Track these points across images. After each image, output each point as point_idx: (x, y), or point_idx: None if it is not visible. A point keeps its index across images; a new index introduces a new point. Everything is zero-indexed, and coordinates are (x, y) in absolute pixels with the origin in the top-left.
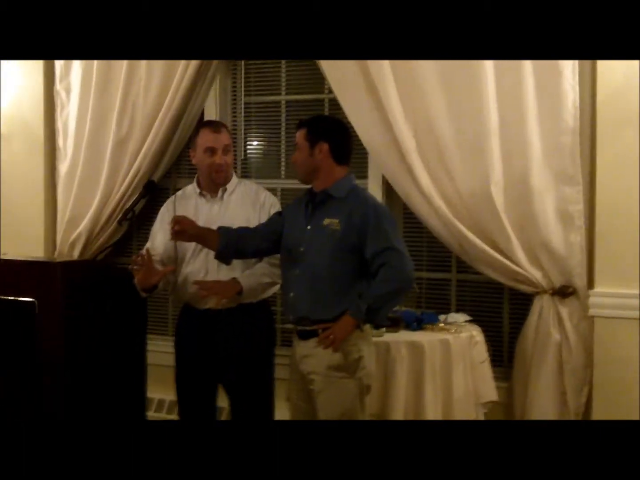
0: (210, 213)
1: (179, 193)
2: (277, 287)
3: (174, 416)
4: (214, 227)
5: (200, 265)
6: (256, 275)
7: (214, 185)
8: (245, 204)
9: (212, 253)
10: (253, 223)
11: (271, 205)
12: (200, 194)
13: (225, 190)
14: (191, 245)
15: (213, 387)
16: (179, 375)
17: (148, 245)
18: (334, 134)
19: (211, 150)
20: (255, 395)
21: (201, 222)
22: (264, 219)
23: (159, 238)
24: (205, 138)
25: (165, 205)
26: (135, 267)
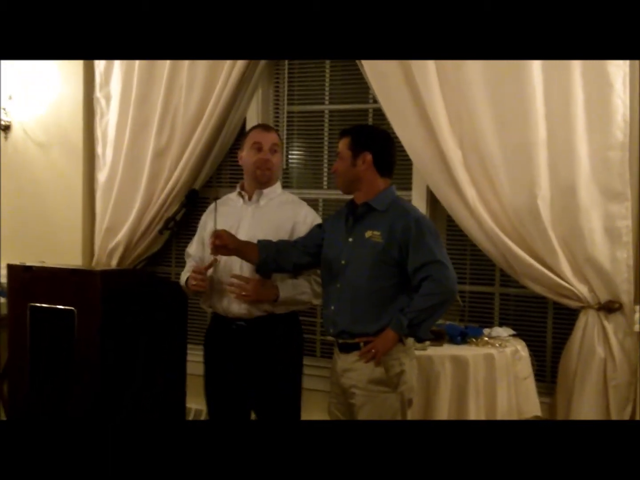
0: (242, 215)
1: (220, 199)
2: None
3: None
4: (243, 228)
5: (224, 263)
6: (297, 291)
7: (255, 184)
8: (279, 215)
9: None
10: (281, 235)
11: (313, 221)
12: (239, 193)
13: (261, 194)
14: None
15: (243, 398)
16: (208, 386)
17: (187, 249)
18: (378, 144)
19: (258, 146)
20: (282, 407)
21: (232, 221)
22: (303, 233)
23: (196, 244)
24: (253, 135)
25: (206, 211)
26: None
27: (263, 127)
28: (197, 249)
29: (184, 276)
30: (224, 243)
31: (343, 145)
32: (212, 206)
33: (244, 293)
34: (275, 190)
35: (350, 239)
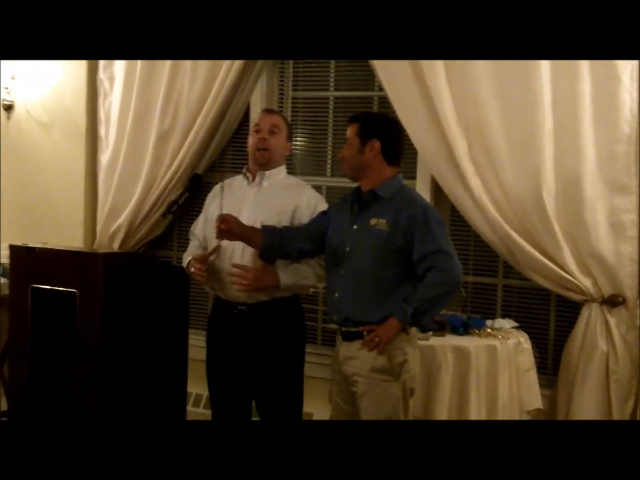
0: (244, 196)
1: (227, 180)
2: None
3: (210, 412)
4: (245, 210)
5: (226, 247)
6: (298, 276)
7: (255, 167)
8: (281, 198)
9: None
10: (283, 219)
11: (316, 204)
12: (244, 175)
13: (263, 176)
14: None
15: (245, 382)
16: (210, 370)
17: (192, 228)
18: (387, 132)
19: (257, 128)
20: (283, 393)
21: (235, 203)
22: (306, 216)
23: (201, 222)
24: (256, 119)
25: (211, 192)
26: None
27: (266, 110)
28: (201, 228)
29: (185, 258)
30: (229, 227)
31: (351, 131)
32: (217, 188)
33: (245, 282)
34: (279, 173)
35: (355, 226)
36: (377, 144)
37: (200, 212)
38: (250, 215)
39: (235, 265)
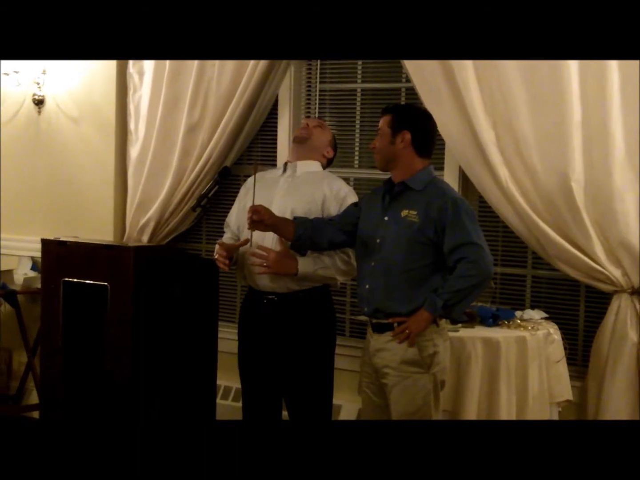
0: (277, 186)
1: (260, 173)
2: (336, 281)
3: (239, 404)
4: (276, 199)
5: (257, 237)
6: (317, 265)
7: (294, 153)
8: (311, 188)
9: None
10: (313, 209)
11: (345, 195)
12: (283, 167)
13: (296, 166)
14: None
15: (274, 373)
16: (241, 360)
17: (227, 219)
18: (418, 124)
19: (303, 124)
20: (313, 386)
21: (267, 193)
22: (335, 207)
23: (235, 213)
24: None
25: (246, 182)
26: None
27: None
28: (235, 219)
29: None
30: (261, 218)
31: (384, 122)
32: (251, 178)
33: (265, 264)
34: (313, 166)
35: (386, 218)
36: (407, 135)
37: (229, 204)
38: (281, 204)
39: (257, 248)
